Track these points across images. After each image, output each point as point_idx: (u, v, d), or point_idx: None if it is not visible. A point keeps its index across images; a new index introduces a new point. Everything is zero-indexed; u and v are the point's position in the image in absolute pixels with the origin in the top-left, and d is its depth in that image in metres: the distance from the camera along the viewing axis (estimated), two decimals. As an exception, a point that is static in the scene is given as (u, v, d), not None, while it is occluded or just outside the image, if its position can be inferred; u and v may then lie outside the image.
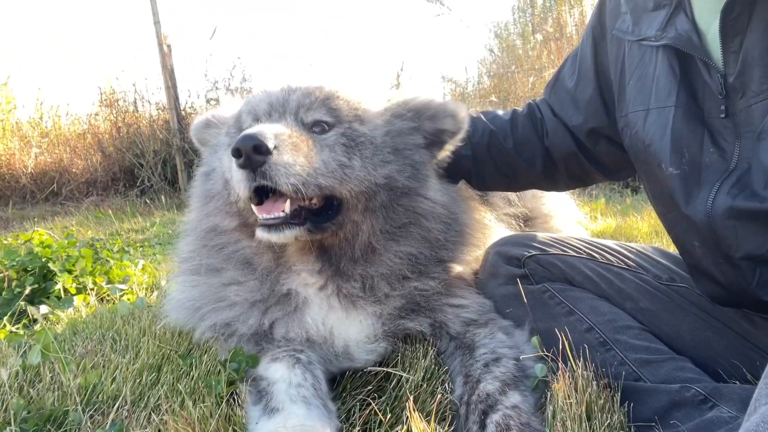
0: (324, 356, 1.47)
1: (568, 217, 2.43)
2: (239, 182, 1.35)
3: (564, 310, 1.56)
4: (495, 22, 8.32)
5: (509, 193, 2.17)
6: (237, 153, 1.31)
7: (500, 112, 1.85)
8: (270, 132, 1.33)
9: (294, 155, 1.33)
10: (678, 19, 1.33)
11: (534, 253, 1.66)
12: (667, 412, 1.23)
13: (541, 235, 1.76)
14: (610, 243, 1.75)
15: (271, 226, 1.37)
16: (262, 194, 1.39)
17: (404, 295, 1.49)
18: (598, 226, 3.19)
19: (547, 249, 1.67)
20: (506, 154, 1.75)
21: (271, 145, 1.30)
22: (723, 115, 1.25)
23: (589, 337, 1.48)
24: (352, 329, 1.47)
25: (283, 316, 1.49)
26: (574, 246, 1.69)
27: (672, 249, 1.72)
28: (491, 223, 1.94)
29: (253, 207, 1.40)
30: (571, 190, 2.64)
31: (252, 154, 1.29)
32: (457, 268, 1.60)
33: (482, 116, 1.81)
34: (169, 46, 7.09)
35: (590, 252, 1.67)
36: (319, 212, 1.43)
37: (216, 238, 1.59)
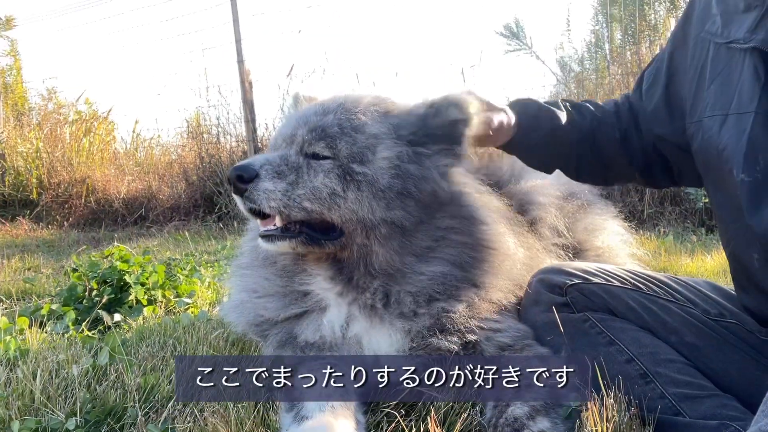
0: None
1: (623, 252, 2.34)
2: (239, 204, 1.56)
3: (605, 340, 1.53)
4: (569, 56, 8.25)
5: (558, 223, 2.15)
6: (228, 182, 1.53)
7: (600, 103, 1.80)
8: (257, 162, 1.53)
9: (275, 182, 1.50)
10: None
11: (577, 281, 1.64)
12: (703, 449, 1.19)
13: (587, 265, 1.73)
14: (659, 275, 1.70)
15: (266, 236, 1.55)
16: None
17: (432, 315, 1.51)
18: (660, 263, 3.06)
19: (591, 278, 1.64)
20: (612, 142, 1.69)
21: (251, 174, 1.49)
22: None
23: (629, 369, 1.44)
24: (383, 342, 1.52)
25: (301, 315, 1.59)
26: (618, 276, 1.65)
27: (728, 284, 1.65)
28: (539, 253, 1.93)
29: (257, 221, 1.61)
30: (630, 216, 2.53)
31: (236, 183, 1.50)
32: (492, 293, 1.60)
33: (589, 105, 1.75)
34: (251, 83, 7.57)
35: (635, 283, 1.63)
36: (321, 229, 1.55)
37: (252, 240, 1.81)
